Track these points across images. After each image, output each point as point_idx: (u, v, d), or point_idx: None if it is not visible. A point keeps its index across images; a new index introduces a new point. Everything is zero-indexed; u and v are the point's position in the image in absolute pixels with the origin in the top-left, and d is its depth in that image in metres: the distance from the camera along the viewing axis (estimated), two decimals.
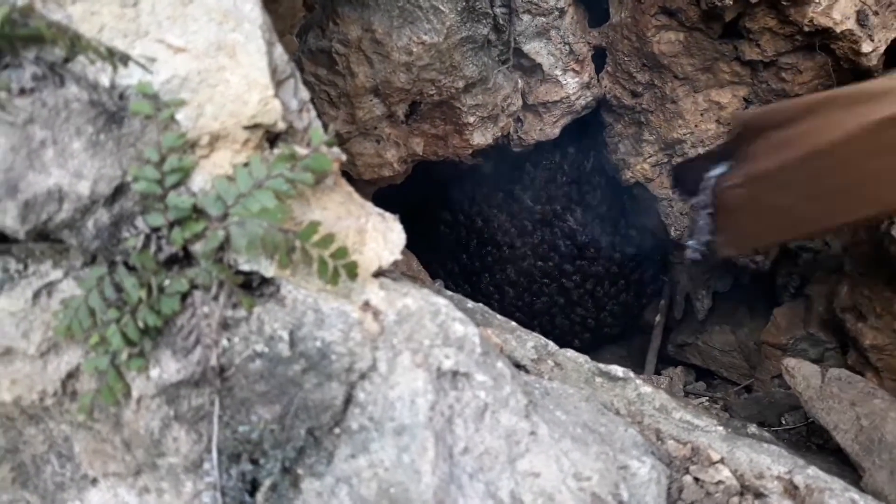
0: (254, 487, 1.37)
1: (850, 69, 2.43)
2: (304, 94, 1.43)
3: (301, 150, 1.34)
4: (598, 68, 2.93)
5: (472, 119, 2.47)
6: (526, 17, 2.62)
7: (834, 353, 2.87)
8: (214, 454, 1.32)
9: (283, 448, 1.34)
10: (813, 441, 2.58)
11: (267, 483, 1.35)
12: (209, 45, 1.28)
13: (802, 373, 2.20)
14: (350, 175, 2.56)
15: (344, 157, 1.48)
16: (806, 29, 2.36)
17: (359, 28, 2.18)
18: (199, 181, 1.31)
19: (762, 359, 3.07)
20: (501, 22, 2.63)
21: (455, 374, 1.36)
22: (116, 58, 1.15)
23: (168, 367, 1.28)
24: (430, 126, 2.49)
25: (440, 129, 2.50)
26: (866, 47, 2.32)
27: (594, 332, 3.73)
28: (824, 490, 1.58)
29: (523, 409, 1.41)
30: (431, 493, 1.26)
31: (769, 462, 1.63)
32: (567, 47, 2.74)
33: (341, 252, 1.30)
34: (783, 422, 2.75)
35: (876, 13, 2.30)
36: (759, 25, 2.45)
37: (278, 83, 1.35)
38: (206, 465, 1.32)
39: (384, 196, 3.06)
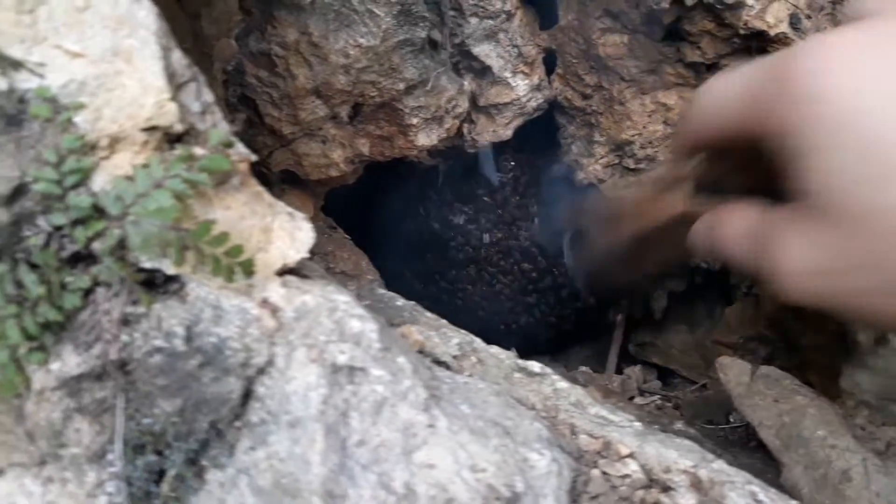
0: (160, 477, 1.41)
1: None
2: (208, 96, 1.47)
3: (199, 151, 1.38)
4: (550, 70, 2.97)
5: (415, 120, 2.51)
6: (473, 20, 2.66)
7: (784, 352, 2.90)
8: (118, 445, 1.36)
9: (187, 440, 1.38)
10: (755, 439, 2.62)
11: (172, 473, 1.39)
12: (105, 50, 1.32)
13: (734, 371, 2.24)
14: (298, 175, 2.60)
15: (254, 158, 1.52)
16: (742, 32, 2.39)
17: (296, 31, 2.21)
18: (99, 181, 1.35)
19: (715, 358, 3.10)
20: (451, 24, 2.67)
21: (351, 368, 1.40)
22: (7, 63, 1.19)
23: (69, 361, 1.32)
24: (374, 127, 2.53)
25: (385, 130, 2.54)
26: None
27: (555, 330, 3.77)
28: (725, 483, 1.61)
29: (423, 402, 1.44)
30: (320, 482, 1.30)
31: (676, 456, 1.66)
32: (516, 50, 2.78)
33: (235, 250, 1.34)
34: (731, 420, 2.79)
35: (808, 17, 2.33)
36: (697, 28, 2.48)
37: (178, 86, 1.39)
38: (110, 456, 1.36)
39: (342, 197, 3.11)
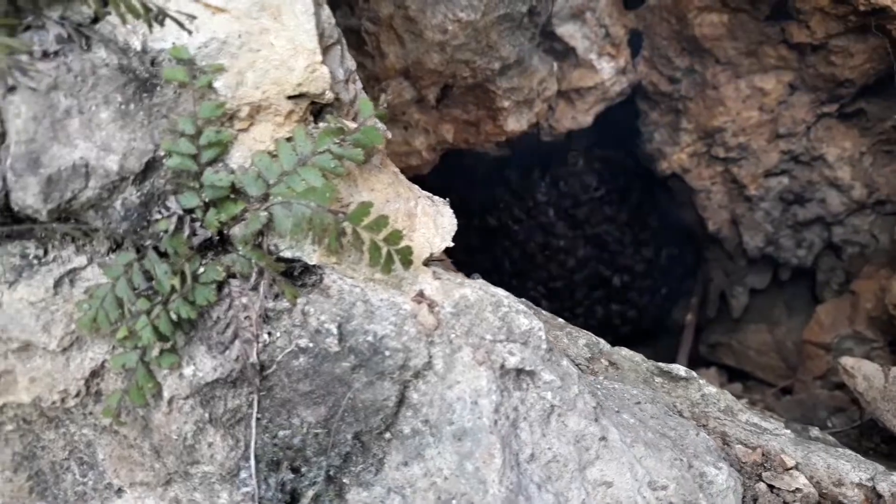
0: (293, 499, 1.24)
1: None
2: (350, 62, 1.30)
3: (350, 124, 1.21)
4: (634, 53, 2.80)
5: (506, 103, 2.34)
6: None
7: (881, 353, 2.73)
8: (252, 462, 1.19)
9: (328, 454, 1.21)
10: (864, 444, 2.46)
11: (309, 494, 1.22)
12: (251, 4, 1.15)
13: (863, 372, 2.06)
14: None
15: (390, 135, 1.36)
16: (861, 8, 2.23)
17: (391, 4, 2.05)
18: (237, 157, 1.18)
19: (803, 359, 2.94)
20: (534, 3, 2.50)
21: (520, 372, 1.23)
22: (152, 15, 1.02)
23: (203, 365, 1.15)
24: (461, 111, 2.36)
25: (472, 115, 2.37)
26: None
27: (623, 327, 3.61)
28: None
29: (592, 411, 1.27)
30: (499, 503, 1.12)
31: (848, 468, 1.50)
32: (603, 30, 2.61)
33: (395, 236, 1.17)
34: (829, 424, 2.62)
35: None
36: (810, 5, 2.32)
37: (325, 49, 1.22)
38: (244, 474, 1.19)
39: None
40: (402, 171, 2.55)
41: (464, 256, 3.69)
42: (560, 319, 1.85)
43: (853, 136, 2.65)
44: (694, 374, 1.68)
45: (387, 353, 1.17)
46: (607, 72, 2.69)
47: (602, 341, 1.77)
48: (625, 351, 1.74)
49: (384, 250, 1.16)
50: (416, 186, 1.40)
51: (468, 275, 1.48)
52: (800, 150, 2.69)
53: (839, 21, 2.33)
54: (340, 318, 1.18)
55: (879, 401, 1.99)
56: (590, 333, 1.79)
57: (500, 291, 1.28)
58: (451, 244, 1.33)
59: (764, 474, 1.50)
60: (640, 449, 1.29)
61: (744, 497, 1.43)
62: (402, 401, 1.20)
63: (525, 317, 1.24)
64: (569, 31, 2.59)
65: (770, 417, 1.66)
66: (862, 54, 2.40)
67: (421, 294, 1.22)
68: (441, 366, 1.20)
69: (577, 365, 1.69)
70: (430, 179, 3.24)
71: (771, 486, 1.47)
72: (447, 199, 1.39)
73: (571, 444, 1.23)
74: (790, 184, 2.75)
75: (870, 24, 2.29)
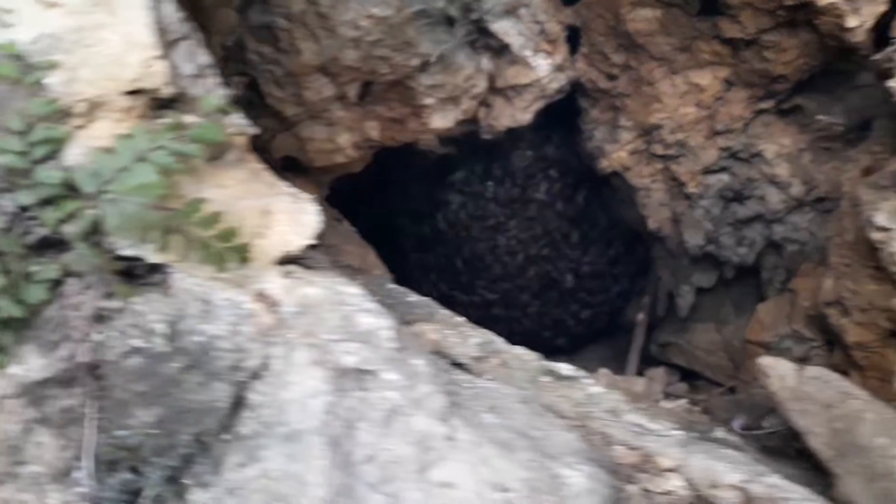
0: (135, 498, 1.23)
1: (835, 46, 2.27)
2: (204, 58, 1.29)
3: (190, 119, 1.20)
4: (573, 50, 2.77)
5: (430, 100, 2.33)
6: None
7: (820, 352, 2.70)
8: (85, 462, 1.17)
9: (167, 455, 1.20)
10: (794, 445, 2.43)
11: (149, 495, 1.21)
12: None
13: (778, 372, 2.04)
14: (301, 162, 2.41)
15: (253, 131, 1.35)
16: (788, 3, 2.20)
17: (302, 1, 2.03)
18: (74, 154, 1.18)
19: (746, 358, 2.91)
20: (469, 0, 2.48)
21: (360, 371, 1.22)
22: None
23: (32, 364, 1.14)
24: (386, 108, 2.35)
25: (397, 112, 2.36)
26: (852, 22, 2.15)
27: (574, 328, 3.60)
28: (778, 499, 1.43)
29: (441, 411, 1.26)
30: None
31: (724, 470, 1.48)
32: (538, 26, 2.59)
33: (228, 233, 1.16)
34: (764, 425, 2.60)
35: None
36: (739, 0, 2.29)
37: (168, 43, 1.21)
38: (77, 474, 1.18)
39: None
40: (330, 170, 2.55)
41: (420, 255, 3.70)
42: (460, 318, 1.84)
43: (792, 133, 2.63)
44: (581, 373, 1.66)
45: (218, 353, 1.16)
46: (544, 69, 2.67)
47: (497, 340, 1.76)
48: (517, 349, 1.73)
49: (215, 247, 1.15)
50: (283, 183, 1.38)
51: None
52: (738, 147, 2.66)
53: (769, 16, 2.31)
54: (173, 317, 1.17)
55: (789, 400, 1.97)
56: (486, 332, 1.77)
57: (351, 290, 1.27)
58: (315, 242, 1.33)
59: (639, 476, 1.48)
60: (490, 449, 1.27)
61: (614, 499, 1.41)
62: (239, 402, 1.19)
63: (369, 316, 1.23)
64: (503, 28, 2.57)
65: (659, 419, 1.64)
66: (794, 49, 2.37)
67: (262, 293, 1.21)
68: (279, 366, 1.19)
69: (460, 364, 1.68)
70: (376, 178, 3.23)
71: (645, 490, 1.45)
72: (316, 196, 1.39)
73: (414, 445, 1.22)
74: (730, 181, 2.73)
75: (798, 18, 2.26)
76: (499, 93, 2.73)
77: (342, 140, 2.35)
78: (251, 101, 2.30)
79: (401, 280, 3.06)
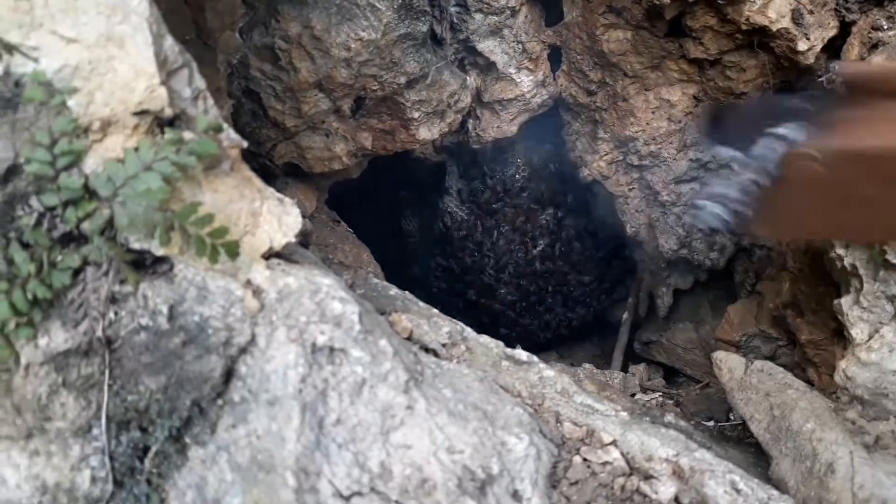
0: (144, 454, 1.45)
1: (789, 67, 2.46)
2: (200, 83, 1.51)
3: (188, 135, 1.42)
4: (557, 67, 2.98)
5: (416, 114, 2.54)
6: (478, 16, 2.69)
7: (786, 350, 2.89)
8: (103, 420, 1.40)
9: (170, 417, 1.42)
10: (753, 435, 2.61)
11: (155, 449, 1.43)
12: (99, 36, 1.36)
13: (728, 365, 2.24)
14: (302, 168, 2.64)
15: (244, 144, 1.56)
16: (744, 27, 2.39)
17: (298, 25, 2.26)
18: (91, 164, 1.40)
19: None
20: (455, 20, 2.70)
21: (332, 349, 1.43)
22: (3, 47, 1.24)
23: (56, 337, 1.37)
24: (376, 121, 2.56)
25: (387, 124, 2.58)
26: (802, 45, 2.34)
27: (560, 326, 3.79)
28: (706, 471, 1.62)
29: (403, 384, 1.47)
30: (294, 458, 1.33)
31: (658, 445, 1.68)
32: (520, 46, 2.80)
33: (220, 231, 1.38)
34: (731, 417, 2.78)
35: (811, 12, 2.33)
36: (700, 24, 2.49)
37: (169, 73, 1.44)
38: (95, 431, 1.41)
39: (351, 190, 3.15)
40: (328, 176, 2.77)
41: (424, 257, 3.91)
42: (434, 310, 2.05)
43: None
44: (535, 358, 1.86)
45: (211, 331, 1.39)
46: (527, 84, 2.88)
47: (467, 329, 1.96)
48: (483, 338, 1.93)
49: (208, 243, 1.37)
50: (271, 189, 1.60)
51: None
52: (707, 159, 2.86)
53: (728, 38, 2.50)
54: (174, 300, 1.39)
55: (736, 390, 2.17)
56: (457, 322, 1.98)
57: (325, 280, 1.49)
58: (294, 240, 1.55)
59: (582, 449, 1.69)
60: (445, 418, 1.48)
61: (556, 467, 1.62)
62: (231, 372, 1.42)
63: (340, 302, 1.45)
64: (488, 47, 2.78)
65: (605, 401, 1.84)
66: (754, 69, 2.56)
67: (249, 282, 1.44)
68: (263, 343, 1.41)
69: (431, 349, 1.88)
70: (373, 184, 3.46)
71: (585, 459, 1.66)
72: (294, 200, 1.60)
73: (378, 412, 1.43)
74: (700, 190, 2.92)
75: (754, 41, 2.46)
76: (486, 106, 2.95)
77: (338, 149, 2.57)
78: (255, 113, 2.53)
79: (407, 278, 3.29)
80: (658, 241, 3.03)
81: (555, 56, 2.96)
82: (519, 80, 2.86)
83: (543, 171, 3.44)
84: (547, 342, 3.91)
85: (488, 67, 2.85)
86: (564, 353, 3.97)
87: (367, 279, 2.11)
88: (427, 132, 2.58)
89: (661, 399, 3.08)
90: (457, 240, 3.57)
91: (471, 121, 3.00)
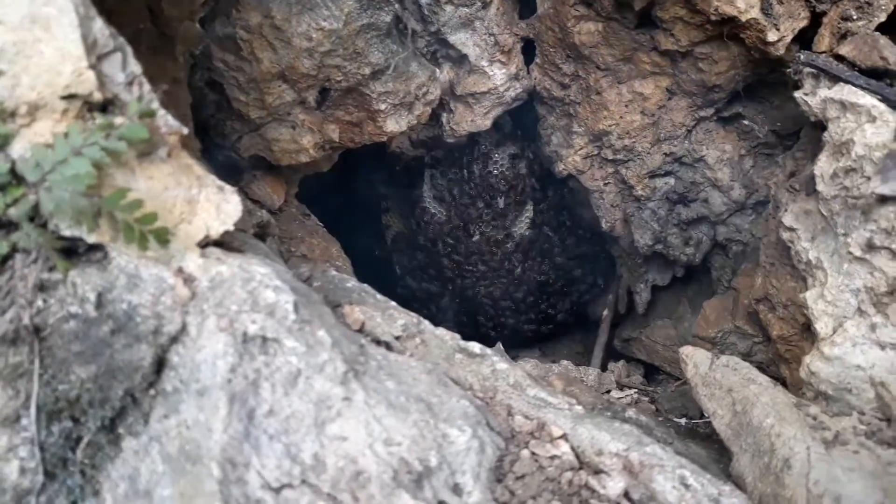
0: (77, 444, 1.42)
1: (760, 58, 2.43)
2: (135, 68, 1.48)
3: (119, 120, 1.40)
4: (531, 60, 2.95)
5: (383, 106, 2.51)
6: (448, 8, 2.66)
7: (762, 346, 2.85)
8: (33, 410, 1.37)
9: (102, 407, 1.40)
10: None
11: (87, 440, 1.40)
12: (23, 18, 1.34)
13: (694, 360, 2.20)
14: (269, 161, 2.61)
15: (185, 131, 1.54)
16: (713, 18, 2.36)
17: (259, 14, 2.23)
18: (18, 148, 1.38)
19: None
20: (426, 12, 2.67)
21: (264, 339, 1.40)
22: None
23: None
24: (343, 112, 2.53)
25: (354, 116, 2.55)
26: (772, 36, 2.31)
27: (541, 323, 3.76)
28: (655, 466, 1.59)
29: (340, 375, 1.44)
30: (220, 449, 1.30)
31: (609, 439, 1.65)
32: (492, 38, 2.77)
33: (149, 217, 1.35)
34: (704, 414, 2.74)
35: (780, 2, 2.29)
36: (669, 14, 2.45)
37: (99, 56, 1.41)
38: (24, 421, 1.38)
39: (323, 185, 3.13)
40: (298, 169, 2.75)
41: (400, 251, 3.89)
42: (392, 303, 2.02)
43: (733, 140, 2.78)
44: (489, 351, 1.83)
45: (139, 319, 1.36)
46: (499, 77, 2.85)
47: (424, 322, 1.93)
48: (439, 331, 1.90)
49: (137, 230, 1.34)
50: (211, 176, 1.57)
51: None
52: (682, 153, 2.82)
53: (699, 30, 2.47)
54: (102, 287, 1.36)
55: (700, 385, 2.13)
56: (413, 315, 1.95)
57: (260, 269, 1.46)
58: (232, 228, 1.52)
59: (531, 442, 1.65)
60: (384, 410, 1.45)
61: (502, 460, 1.58)
62: (163, 362, 1.39)
63: (274, 291, 1.42)
64: (460, 39, 2.75)
65: (559, 394, 1.81)
66: (725, 61, 2.53)
67: (180, 269, 1.41)
68: (194, 332, 1.38)
69: (383, 342, 1.85)
70: (352, 179, 3.43)
71: (534, 454, 1.62)
72: (235, 187, 1.58)
73: (313, 403, 1.40)
74: (675, 184, 2.88)
75: (724, 32, 2.42)
76: (460, 99, 2.92)
77: (305, 141, 2.54)
78: (219, 104, 2.50)
79: (387, 275, 3.25)
80: (633, 236, 3.00)
81: (530, 49, 2.93)
82: (492, 74, 2.83)
83: (521, 166, 3.41)
84: (529, 339, 3.88)
85: (460, 60, 2.83)
86: (548, 350, 3.94)
87: (325, 272, 2.08)
88: (395, 124, 2.55)
89: (636, 396, 3.04)
90: (435, 236, 3.54)
91: (444, 114, 2.96)
